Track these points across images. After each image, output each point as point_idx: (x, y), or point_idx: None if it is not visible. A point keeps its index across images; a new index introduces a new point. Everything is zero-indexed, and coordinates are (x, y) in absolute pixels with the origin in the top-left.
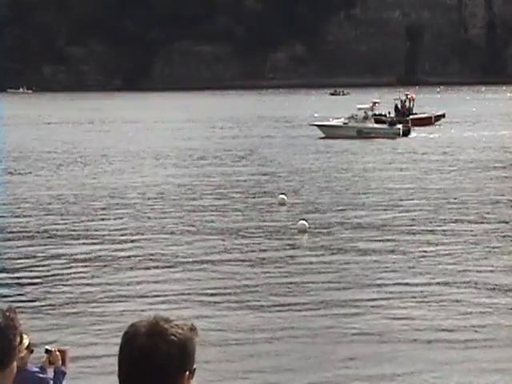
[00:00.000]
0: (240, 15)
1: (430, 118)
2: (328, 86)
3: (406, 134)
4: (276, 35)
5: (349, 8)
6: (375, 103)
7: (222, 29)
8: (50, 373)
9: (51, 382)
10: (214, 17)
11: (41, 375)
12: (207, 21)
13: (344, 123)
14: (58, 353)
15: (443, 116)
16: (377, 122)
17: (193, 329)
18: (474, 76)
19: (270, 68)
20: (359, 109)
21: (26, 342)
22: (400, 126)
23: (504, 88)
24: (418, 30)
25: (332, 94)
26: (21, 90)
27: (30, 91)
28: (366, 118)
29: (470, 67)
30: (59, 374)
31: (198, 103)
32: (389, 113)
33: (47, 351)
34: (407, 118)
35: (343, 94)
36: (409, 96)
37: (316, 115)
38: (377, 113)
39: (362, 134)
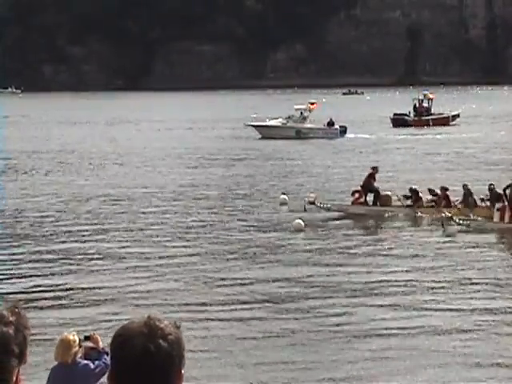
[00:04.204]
0: (240, 15)
1: (448, 117)
2: (328, 86)
3: (342, 133)
4: (276, 35)
5: (349, 8)
6: (312, 103)
7: (223, 29)
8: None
9: (99, 367)
10: (215, 17)
11: (92, 366)
12: (207, 21)
13: (283, 124)
14: (97, 336)
15: (458, 116)
16: (397, 121)
17: (179, 326)
18: (474, 76)
19: (270, 68)
20: (296, 109)
21: (76, 338)
22: (337, 126)
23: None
24: (418, 30)
25: (345, 94)
26: (9, 89)
27: (19, 91)
28: (303, 118)
29: (471, 67)
30: (103, 354)
31: (198, 103)
32: (409, 112)
33: (86, 338)
34: (427, 118)
35: (357, 94)
36: (427, 96)
37: (254, 115)
38: (398, 112)
39: (301, 135)
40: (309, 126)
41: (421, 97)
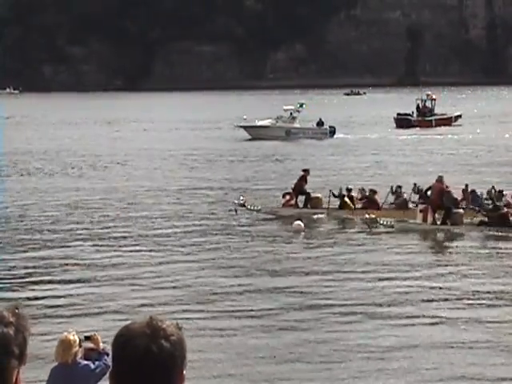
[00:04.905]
0: (240, 15)
1: (451, 118)
2: (328, 86)
3: (331, 134)
4: (276, 35)
5: (349, 8)
6: (302, 104)
7: (222, 29)
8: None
9: (99, 368)
10: (214, 17)
11: (92, 366)
12: (207, 21)
13: (272, 124)
14: (98, 337)
15: (460, 116)
16: (401, 121)
17: (181, 327)
18: (474, 76)
19: (270, 68)
20: (285, 110)
21: (76, 338)
22: (327, 126)
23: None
24: (418, 30)
25: (347, 94)
26: (7, 90)
27: (17, 91)
28: (293, 118)
29: (471, 68)
30: (103, 355)
31: (197, 103)
32: (412, 112)
33: (87, 338)
34: (430, 118)
35: (359, 94)
36: (429, 96)
37: (244, 117)
38: (402, 112)
39: (291, 135)
40: (298, 126)
41: (423, 97)
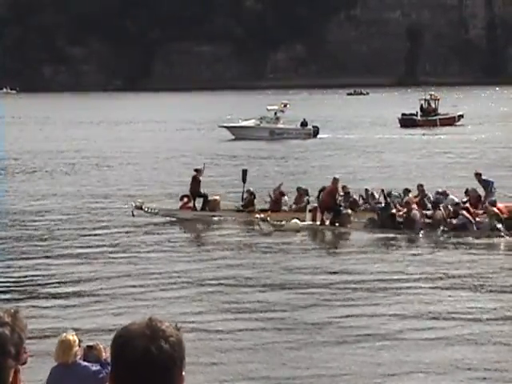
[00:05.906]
0: (240, 15)
1: (454, 117)
2: (328, 86)
3: (315, 134)
4: (276, 35)
5: (349, 8)
6: (285, 105)
7: (222, 29)
8: None
9: (101, 374)
10: (214, 17)
11: (92, 368)
12: (207, 21)
13: (256, 124)
14: (101, 346)
15: (462, 116)
16: (406, 121)
17: (179, 328)
18: (474, 76)
19: (269, 68)
20: (269, 110)
21: (76, 338)
22: (311, 126)
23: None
24: (418, 30)
25: (349, 95)
26: (4, 90)
27: (14, 91)
28: (277, 119)
29: (471, 67)
30: (106, 365)
31: (197, 104)
32: (416, 113)
33: (89, 347)
34: (434, 118)
35: (362, 94)
36: (433, 96)
37: (229, 117)
38: (406, 112)
39: (275, 135)
40: (282, 126)
41: (427, 97)
